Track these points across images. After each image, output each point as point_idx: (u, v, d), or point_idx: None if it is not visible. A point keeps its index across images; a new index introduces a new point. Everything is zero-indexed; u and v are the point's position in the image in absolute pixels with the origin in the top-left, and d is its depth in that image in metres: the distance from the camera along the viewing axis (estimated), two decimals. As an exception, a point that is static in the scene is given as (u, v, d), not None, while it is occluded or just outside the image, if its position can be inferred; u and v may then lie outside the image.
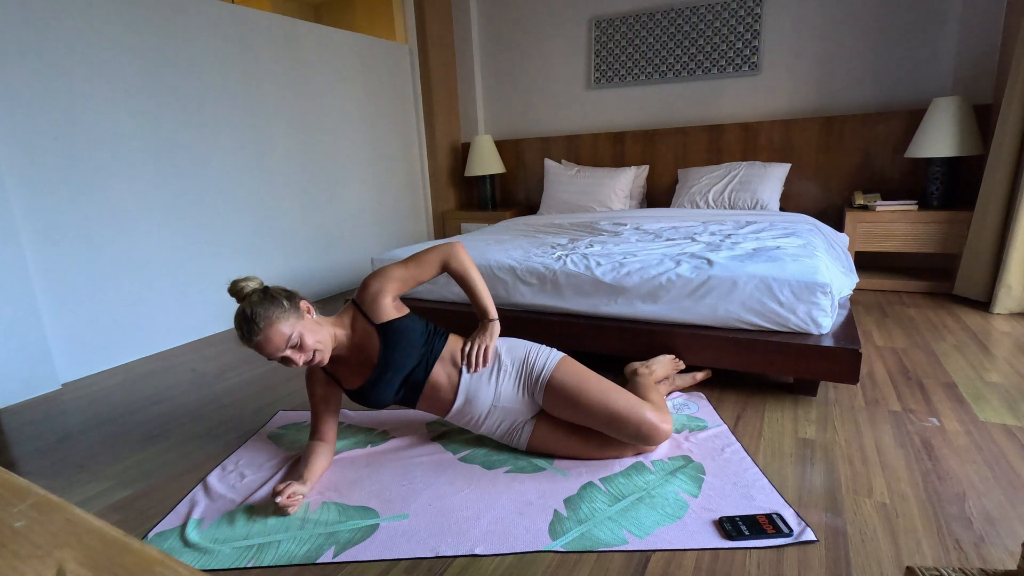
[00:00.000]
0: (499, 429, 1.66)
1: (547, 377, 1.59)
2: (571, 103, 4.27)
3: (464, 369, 1.61)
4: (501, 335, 2.13)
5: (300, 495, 1.43)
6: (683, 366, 2.03)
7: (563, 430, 1.62)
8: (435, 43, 4.29)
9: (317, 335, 1.46)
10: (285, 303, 1.43)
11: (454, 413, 1.63)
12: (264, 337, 1.38)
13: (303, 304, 1.49)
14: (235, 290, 1.44)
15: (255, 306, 1.40)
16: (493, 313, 1.66)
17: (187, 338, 2.98)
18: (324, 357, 1.48)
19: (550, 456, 1.65)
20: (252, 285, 1.45)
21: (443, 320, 2.42)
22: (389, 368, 1.55)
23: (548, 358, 1.62)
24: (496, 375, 1.62)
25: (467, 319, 2.29)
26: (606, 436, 1.59)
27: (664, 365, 1.97)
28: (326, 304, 3.59)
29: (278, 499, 1.38)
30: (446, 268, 1.61)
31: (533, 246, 2.59)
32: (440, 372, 1.60)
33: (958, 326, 2.57)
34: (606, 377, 1.62)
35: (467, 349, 1.62)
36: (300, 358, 1.43)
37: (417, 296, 2.56)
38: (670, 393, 2.01)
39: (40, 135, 2.35)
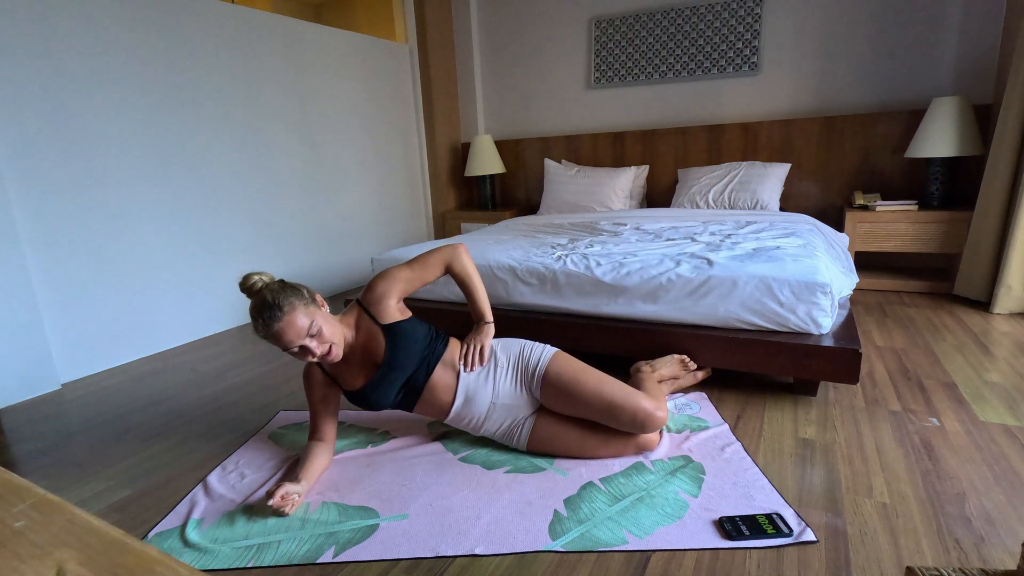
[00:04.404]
0: (499, 429, 1.67)
1: (543, 369, 1.61)
2: (571, 103, 4.26)
3: (461, 369, 1.62)
4: (499, 335, 2.15)
5: (295, 494, 1.43)
6: (694, 366, 2.03)
7: (563, 428, 1.62)
8: (435, 43, 4.29)
9: (333, 328, 1.49)
10: (305, 293, 1.47)
11: (454, 415, 1.64)
12: (286, 322, 1.39)
13: (318, 298, 1.53)
14: (247, 284, 1.44)
15: (276, 294, 1.41)
16: (489, 316, 1.69)
17: (187, 338, 2.98)
18: (338, 352, 1.50)
19: (550, 456, 1.65)
20: (266, 279, 1.46)
21: (442, 320, 2.41)
22: (394, 368, 1.56)
23: (543, 352, 1.66)
24: (493, 373, 1.64)
25: (465, 319, 2.29)
26: (605, 435, 1.60)
27: (669, 365, 1.98)
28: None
29: (270, 502, 1.38)
30: (449, 270, 1.65)
31: (533, 246, 2.59)
32: (440, 375, 1.62)
33: (958, 326, 2.57)
34: (608, 375, 1.62)
35: (463, 350, 1.65)
36: (318, 348, 1.45)
37: (417, 296, 2.56)
38: (674, 393, 2.01)
39: (40, 135, 2.35)
